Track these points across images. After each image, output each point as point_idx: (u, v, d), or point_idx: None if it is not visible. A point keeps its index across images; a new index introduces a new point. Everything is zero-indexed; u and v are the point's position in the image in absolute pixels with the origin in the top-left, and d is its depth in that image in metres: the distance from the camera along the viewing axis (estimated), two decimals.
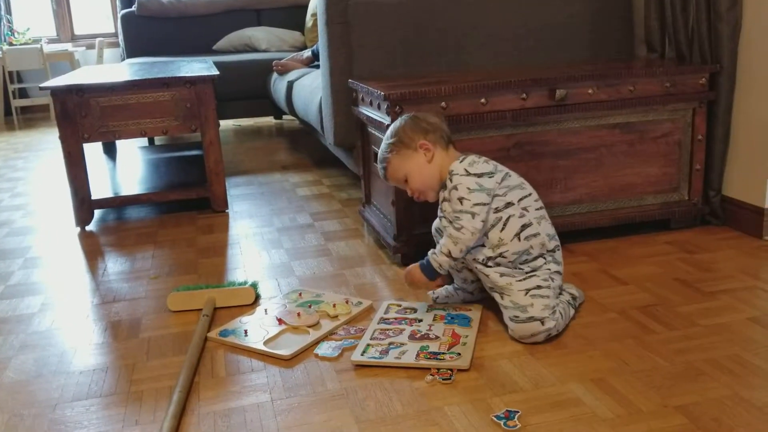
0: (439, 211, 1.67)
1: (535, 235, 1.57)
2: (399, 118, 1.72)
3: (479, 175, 1.57)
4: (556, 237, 1.64)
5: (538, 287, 1.54)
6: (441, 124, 1.69)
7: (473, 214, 1.54)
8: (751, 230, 2.11)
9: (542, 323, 1.50)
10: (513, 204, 1.58)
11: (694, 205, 2.19)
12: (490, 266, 1.58)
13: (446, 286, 1.77)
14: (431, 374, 1.41)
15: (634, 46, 2.58)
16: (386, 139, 1.70)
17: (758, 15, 2.02)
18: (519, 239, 1.56)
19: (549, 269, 1.58)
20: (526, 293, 1.53)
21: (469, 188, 1.55)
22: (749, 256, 1.97)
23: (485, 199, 1.55)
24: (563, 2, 2.50)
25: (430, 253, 1.60)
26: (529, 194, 1.62)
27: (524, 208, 1.59)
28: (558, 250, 1.63)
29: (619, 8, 2.54)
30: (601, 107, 2.04)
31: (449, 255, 1.56)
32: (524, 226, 1.56)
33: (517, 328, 1.51)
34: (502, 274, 1.57)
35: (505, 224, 1.56)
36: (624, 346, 1.50)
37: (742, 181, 2.14)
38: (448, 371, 1.41)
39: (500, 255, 1.57)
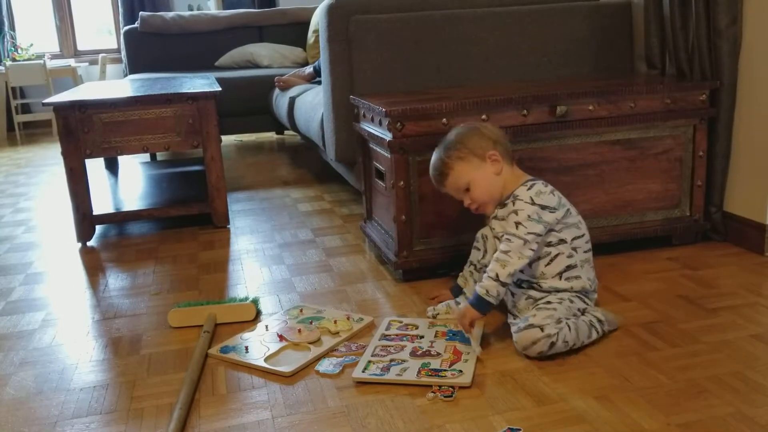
0: (488, 221, 1.69)
1: (576, 278, 1.59)
2: (458, 128, 1.69)
3: (543, 207, 1.56)
4: (596, 283, 1.65)
5: (548, 303, 1.55)
6: (504, 137, 1.67)
7: (525, 242, 1.52)
8: (753, 246, 2.11)
9: (542, 329, 1.47)
10: (566, 242, 1.58)
11: (695, 221, 2.19)
12: (523, 287, 1.60)
13: (447, 301, 1.77)
14: (433, 391, 1.40)
15: (635, 62, 2.59)
16: (447, 146, 1.65)
17: (758, 31, 2.03)
18: (560, 278, 1.58)
19: (571, 299, 1.59)
20: (534, 307, 1.55)
21: (529, 216, 1.54)
22: (751, 273, 1.96)
23: (541, 231, 1.54)
24: (563, 19, 2.51)
25: (476, 287, 1.55)
26: (582, 235, 1.62)
27: (574, 248, 1.60)
28: (594, 294, 1.65)
29: (619, 25, 2.56)
30: (601, 124, 2.04)
31: (497, 278, 1.52)
32: (569, 267, 1.58)
33: (518, 338, 1.50)
34: (527, 297, 1.59)
35: (552, 260, 1.58)
36: (627, 363, 1.49)
37: (743, 197, 2.14)
38: (450, 388, 1.41)
39: (537, 283, 1.59)
